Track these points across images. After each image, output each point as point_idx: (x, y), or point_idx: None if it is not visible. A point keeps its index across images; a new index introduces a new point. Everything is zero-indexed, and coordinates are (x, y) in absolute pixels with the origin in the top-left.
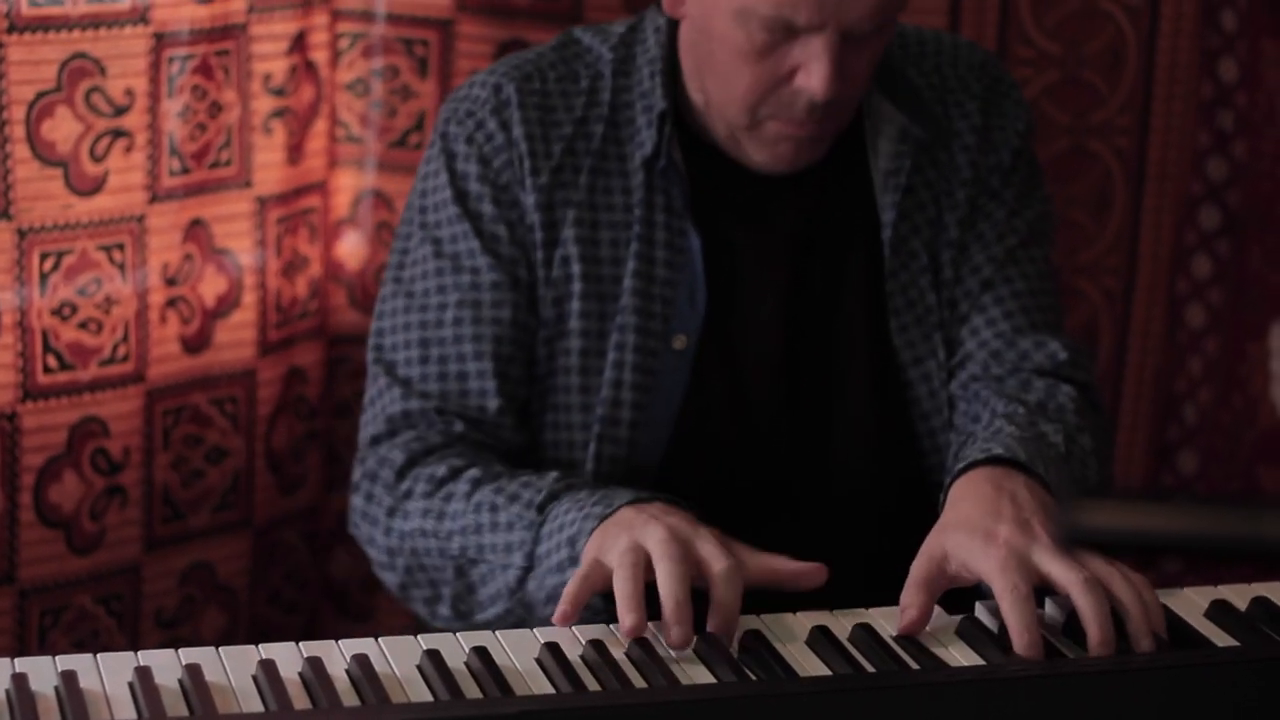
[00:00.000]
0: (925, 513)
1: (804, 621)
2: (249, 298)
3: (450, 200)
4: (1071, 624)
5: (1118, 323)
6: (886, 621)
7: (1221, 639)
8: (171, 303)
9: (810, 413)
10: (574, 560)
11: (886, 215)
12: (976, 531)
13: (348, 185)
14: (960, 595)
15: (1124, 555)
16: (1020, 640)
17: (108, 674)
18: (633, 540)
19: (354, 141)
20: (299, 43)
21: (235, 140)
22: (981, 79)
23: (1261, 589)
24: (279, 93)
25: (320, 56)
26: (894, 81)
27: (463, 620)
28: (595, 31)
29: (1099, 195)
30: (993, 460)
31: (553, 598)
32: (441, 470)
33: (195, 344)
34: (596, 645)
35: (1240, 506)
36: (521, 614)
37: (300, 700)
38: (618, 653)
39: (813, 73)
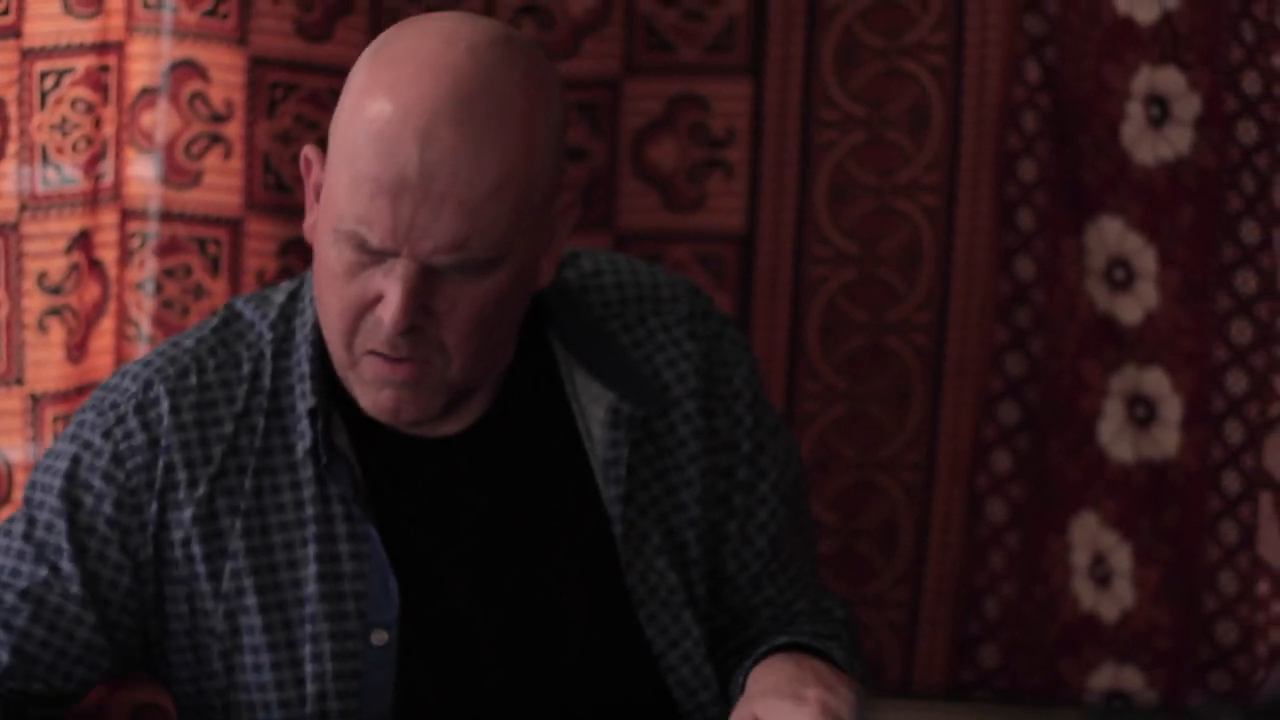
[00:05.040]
0: None
1: None
2: (20, 494)
3: (60, 492)
4: None
5: (918, 517)
6: None
7: None
8: None
9: (551, 704)
10: None
11: (613, 510)
12: (785, 694)
13: None
14: None
15: None
16: None
17: None
18: None
19: (146, 341)
20: (81, 241)
21: (4, 337)
22: (692, 333)
23: None
24: (56, 291)
25: (108, 255)
26: (596, 348)
27: None
28: (257, 302)
29: (897, 391)
30: (786, 647)
31: None
32: None
33: None
34: None
35: (1037, 705)
36: None
37: None
38: None
39: (387, 300)
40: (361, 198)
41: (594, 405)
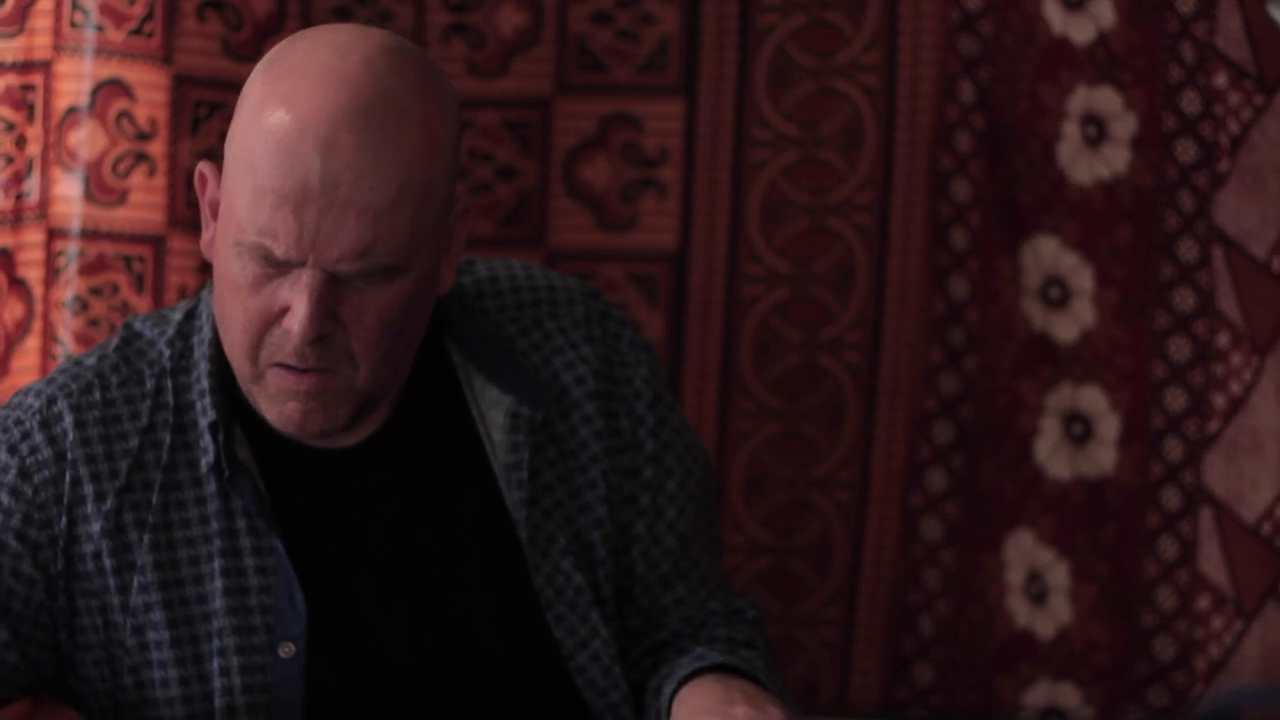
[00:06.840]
0: None
1: None
2: None
3: None
4: None
5: (852, 536)
6: None
7: None
8: None
9: (463, 710)
10: None
11: (518, 513)
12: (714, 714)
13: None
14: None
15: None
16: None
17: None
18: None
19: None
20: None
21: None
22: (589, 336)
23: None
24: None
25: (33, 274)
26: (494, 353)
27: None
28: (155, 321)
29: (831, 409)
30: (710, 669)
31: None
32: None
33: None
34: None
35: None
36: None
37: None
38: None
39: (295, 310)
40: (264, 209)
41: (493, 410)
